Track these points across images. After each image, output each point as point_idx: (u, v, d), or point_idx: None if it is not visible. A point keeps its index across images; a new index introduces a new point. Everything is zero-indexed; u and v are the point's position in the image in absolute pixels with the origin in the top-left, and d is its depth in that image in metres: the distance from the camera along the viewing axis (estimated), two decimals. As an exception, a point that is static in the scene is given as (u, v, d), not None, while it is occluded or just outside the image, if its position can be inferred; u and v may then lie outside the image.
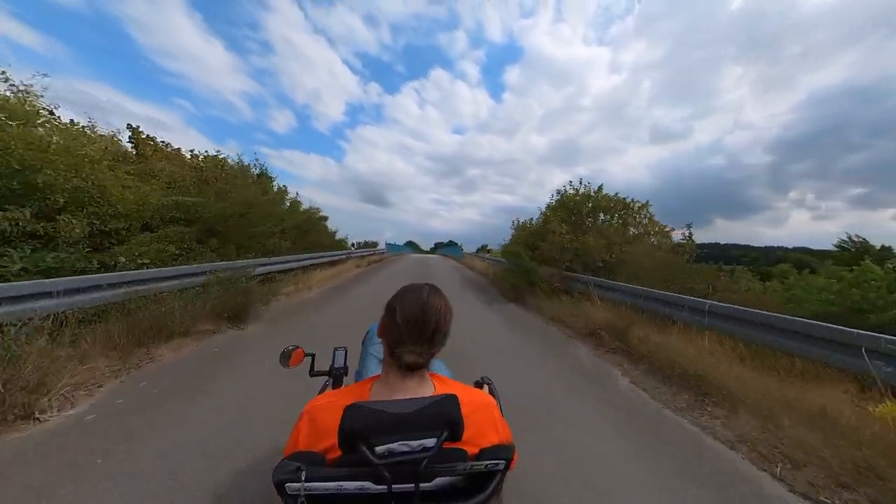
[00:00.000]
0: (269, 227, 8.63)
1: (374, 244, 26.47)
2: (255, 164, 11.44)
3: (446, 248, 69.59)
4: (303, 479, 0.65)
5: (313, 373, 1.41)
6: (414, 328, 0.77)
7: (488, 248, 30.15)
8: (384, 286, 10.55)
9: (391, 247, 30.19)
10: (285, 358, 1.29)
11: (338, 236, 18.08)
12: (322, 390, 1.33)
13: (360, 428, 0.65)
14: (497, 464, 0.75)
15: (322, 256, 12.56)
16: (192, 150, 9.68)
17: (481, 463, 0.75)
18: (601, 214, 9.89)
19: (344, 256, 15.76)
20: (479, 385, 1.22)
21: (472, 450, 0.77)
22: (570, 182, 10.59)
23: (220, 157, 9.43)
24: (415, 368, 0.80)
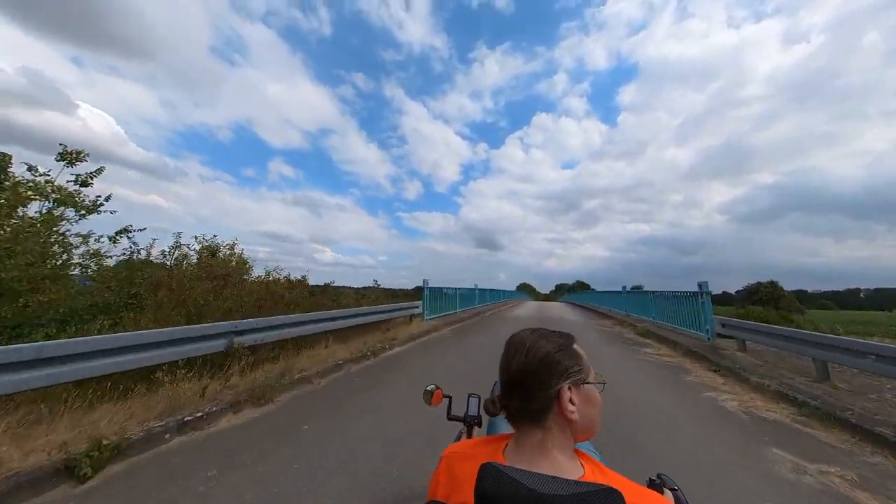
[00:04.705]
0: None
1: (378, 293, 8.53)
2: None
3: (575, 294, 46.79)
4: None
5: (450, 416, 1.38)
6: (502, 373, 0.70)
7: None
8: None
9: (438, 293, 11.67)
10: (427, 396, 1.35)
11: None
12: (458, 437, 1.31)
13: (494, 495, 0.55)
14: None
15: None
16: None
17: None
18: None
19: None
20: (655, 486, 0.83)
21: None
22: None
23: None
24: (489, 413, 0.77)
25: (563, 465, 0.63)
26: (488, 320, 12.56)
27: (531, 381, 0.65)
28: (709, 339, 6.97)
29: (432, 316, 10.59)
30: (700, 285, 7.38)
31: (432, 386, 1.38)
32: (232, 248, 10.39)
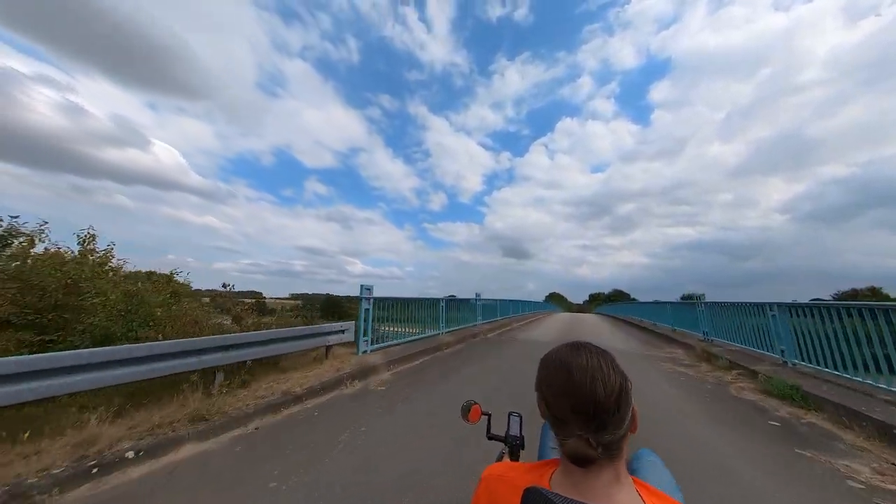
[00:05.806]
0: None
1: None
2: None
3: (614, 304, 40.80)
4: None
5: (489, 435, 1.27)
6: (565, 403, 0.58)
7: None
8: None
9: (399, 307, 7.48)
10: (465, 412, 1.25)
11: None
12: (499, 457, 1.21)
13: None
14: None
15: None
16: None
17: None
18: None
19: None
20: None
21: None
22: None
23: None
24: (583, 462, 0.57)
25: (621, 496, 0.57)
26: (487, 347, 8.03)
27: (622, 408, 0.58)
28: None
29: (379, 345, 6.28)
30: None
31: (470, 401, 1.27)
32: (86, 242, 6.72)
